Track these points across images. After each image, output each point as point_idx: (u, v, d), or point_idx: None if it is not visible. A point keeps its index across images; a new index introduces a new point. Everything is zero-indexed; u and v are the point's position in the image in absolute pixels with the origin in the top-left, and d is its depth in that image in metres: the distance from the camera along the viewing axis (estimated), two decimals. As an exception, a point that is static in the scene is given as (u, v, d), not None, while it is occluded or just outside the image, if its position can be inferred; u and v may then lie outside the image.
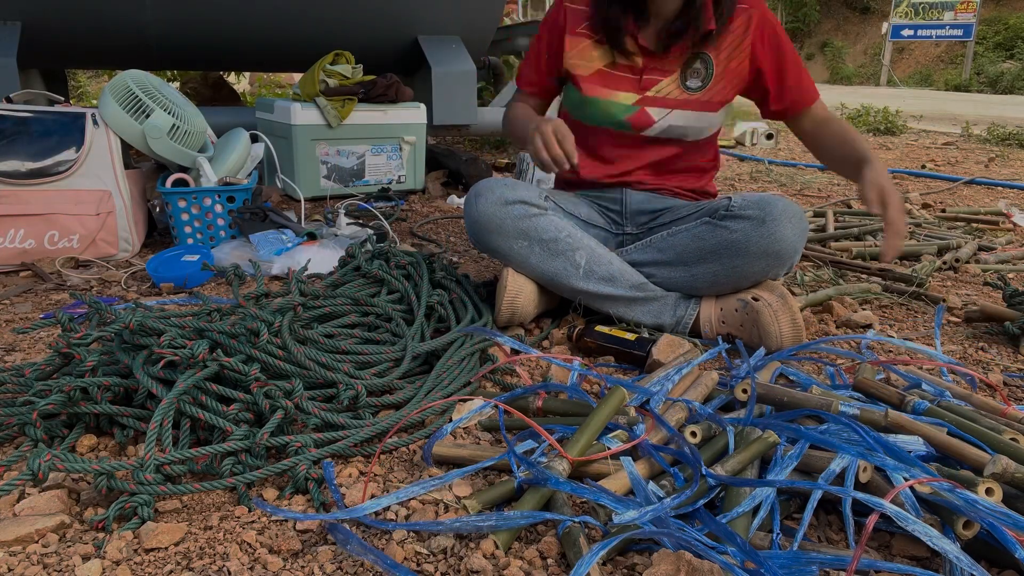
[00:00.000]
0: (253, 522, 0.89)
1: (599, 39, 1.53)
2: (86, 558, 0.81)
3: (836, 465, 0.87)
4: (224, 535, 0.86)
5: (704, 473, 0.88)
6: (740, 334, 1.44)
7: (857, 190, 1.34)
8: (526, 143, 1.42)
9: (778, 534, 0.83)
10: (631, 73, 1.53)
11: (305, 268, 1.63)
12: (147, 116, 2.04)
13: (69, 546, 0.84)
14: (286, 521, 0.89)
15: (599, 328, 1.43)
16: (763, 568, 0.71)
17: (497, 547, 0.82)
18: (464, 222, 1.51)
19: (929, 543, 0.74)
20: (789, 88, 1.54)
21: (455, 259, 2.14)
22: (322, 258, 1.92)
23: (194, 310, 1.28)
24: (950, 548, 0.73)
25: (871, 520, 0.69)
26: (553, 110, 1.78)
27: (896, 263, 2.05)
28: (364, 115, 2.85)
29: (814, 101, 1.56)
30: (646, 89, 1.52)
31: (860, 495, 0.80)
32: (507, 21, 5.38)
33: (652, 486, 0.91)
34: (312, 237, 2.08)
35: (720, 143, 4.96)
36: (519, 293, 1.47)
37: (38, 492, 0.92)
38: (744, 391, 1.04)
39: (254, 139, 2.37)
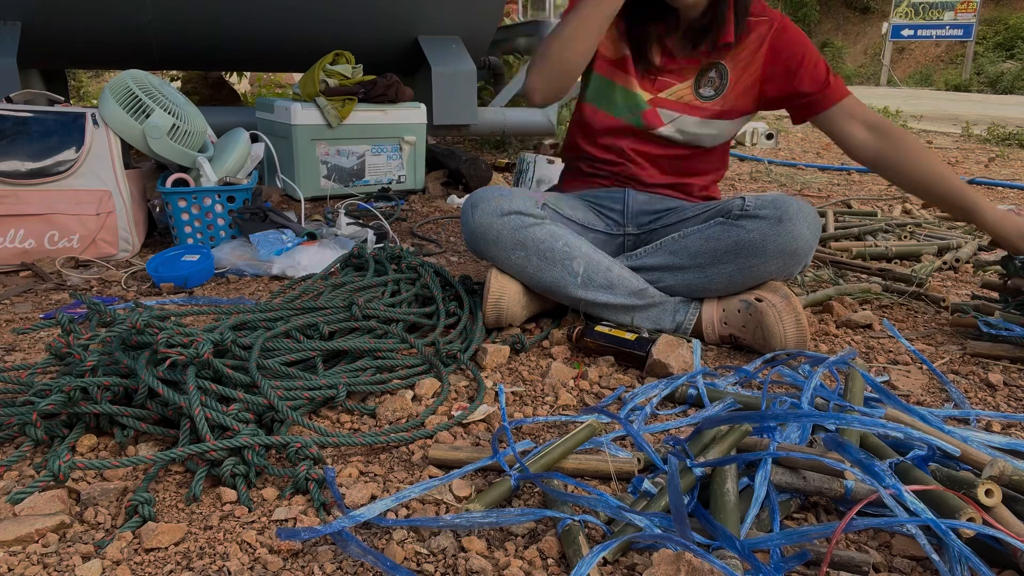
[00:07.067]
0: (253, 522, 0.89)
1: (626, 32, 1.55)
2: (86, 558, 0.81)
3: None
4: (224, 535, 0.86)
5: (691, 465, 0.90)
6: (743, 335, 1.44)
7: (990, 237, 1.49)
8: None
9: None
10: (648, 73, 1.56)
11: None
12: (147, 116, 2.04)
13: (69, 546, 0.84)
14: (286, 521, 0.89)
15: (599, 328, 1.43)
16: (757, 566, 0.71)
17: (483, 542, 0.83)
18: (462, 231, 1.52)
19: (919, 541, 0.74)
20: (805, 93, 1.51)
21: (454, 259, 2.14)
22: (322, 258, 1.92)
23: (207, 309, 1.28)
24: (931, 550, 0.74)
25: (859, 504, 0.70)
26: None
27: (897, 263, 2.05)
28: (364, 115, 2.85)
29: (842, 98, 1.51)
30: (659, 91, 1.55)
31: (860, 474, 0.80)
32: (507, 21, 5.38)
33: (647, 483, 0.91)
34: (312, 237, 2.08)
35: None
36: (503, 294, 1.47)
37: (38, 492, 0.92)
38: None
39: (254, 139, 2.37)
